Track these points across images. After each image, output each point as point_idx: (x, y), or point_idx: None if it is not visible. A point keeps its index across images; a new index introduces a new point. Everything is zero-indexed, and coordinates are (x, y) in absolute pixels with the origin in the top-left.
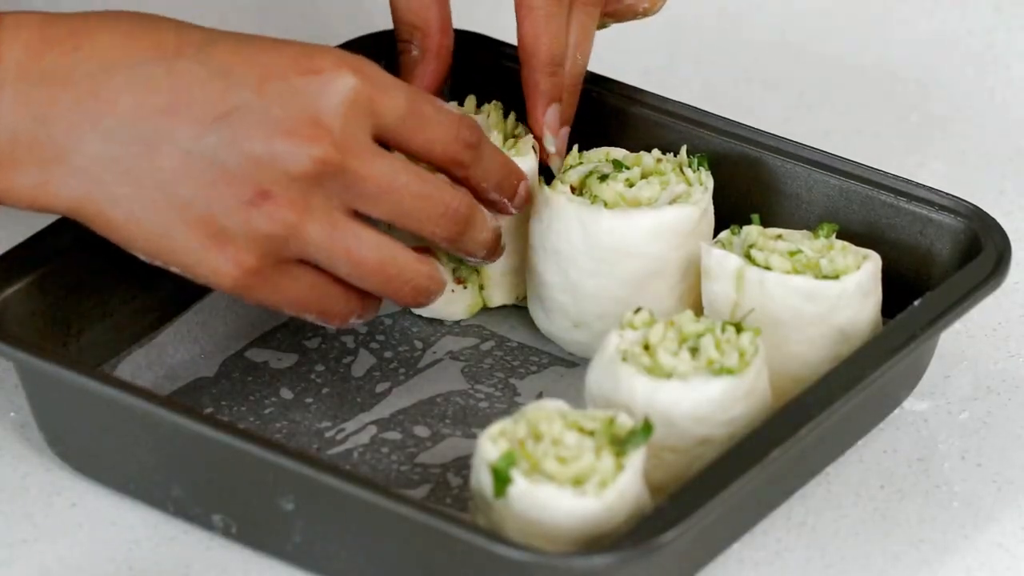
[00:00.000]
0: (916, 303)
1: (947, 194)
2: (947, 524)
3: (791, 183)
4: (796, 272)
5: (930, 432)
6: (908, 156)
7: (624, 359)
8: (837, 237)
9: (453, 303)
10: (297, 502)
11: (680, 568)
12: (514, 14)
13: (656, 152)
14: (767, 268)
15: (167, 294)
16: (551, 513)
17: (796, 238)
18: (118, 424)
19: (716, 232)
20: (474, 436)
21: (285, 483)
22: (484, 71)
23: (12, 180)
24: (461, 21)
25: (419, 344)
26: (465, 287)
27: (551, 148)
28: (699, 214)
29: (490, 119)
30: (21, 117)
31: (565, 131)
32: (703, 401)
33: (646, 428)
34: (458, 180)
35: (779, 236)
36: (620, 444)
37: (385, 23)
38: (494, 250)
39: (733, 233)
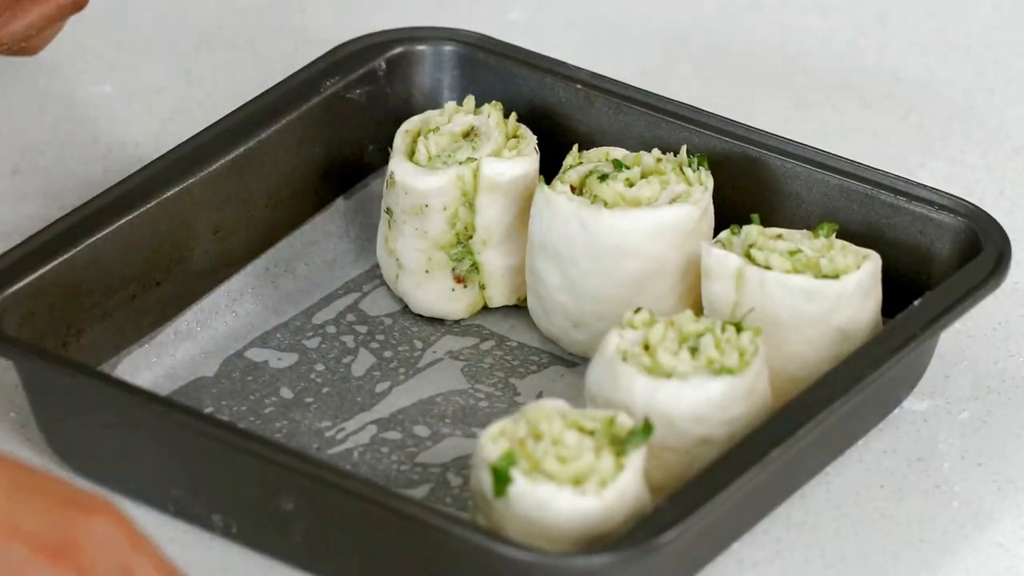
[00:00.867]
0: (916, 303)
1: (947, 194)
2: (947, 524)
3: (791, 183)
4: (796, 272)
5: (930, 432)
6: (908, 156)
7: (624, 359)
8: (837, 237)
9: (454, 302)
10: (297, 502)
11: (680, 568)
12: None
13: (656, 152)
14: (767, 268)
15: (167, 294)
16: (551, 513)
17: (796, 238)
18: (118, 424)
19: (716, 232)
20: (474, 436)
21: (285, 483)
22: (484, 71)
23: None
24: (461, 21)
25: (419, 344)
26: (465, 286)
27: None
28: (699, 214)
29: (490, 119)
30: None
31: None
32: (703, 401)
33: (646, 428)
34: None
35: (779, 236)
36: (620, 444)
37: (382, 23)
38: None
39: (733, 233)
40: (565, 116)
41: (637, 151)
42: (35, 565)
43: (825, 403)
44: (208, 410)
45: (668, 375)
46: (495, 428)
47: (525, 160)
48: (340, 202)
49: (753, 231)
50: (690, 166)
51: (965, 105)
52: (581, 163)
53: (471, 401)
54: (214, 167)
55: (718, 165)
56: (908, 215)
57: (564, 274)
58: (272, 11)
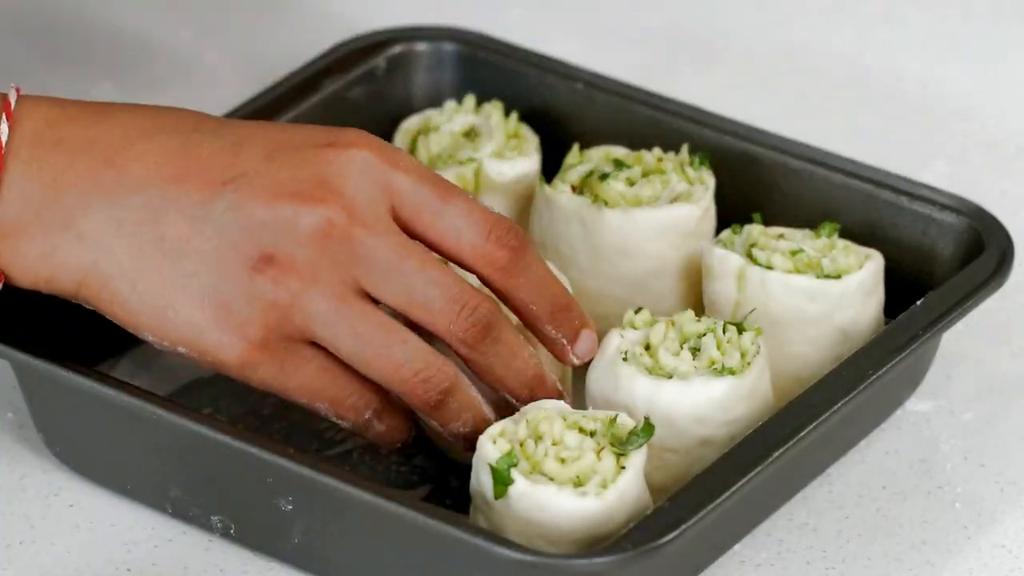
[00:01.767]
0: (918, 303)
1: (950, 193)
2: (949, 525)
3: (793, 182)
4: (798, 272)
5: (932, 433)
6: (910, 155)
7: (625, 359)
8: (839, 236)
9: None
10: (296, 502)
11: (681, 569)
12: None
13: (657, 151)
14: (769, 267)
15: None
16: (551, 514)
17: (798, 237)
18: (116, 424)
19: (717, 231)
20: None
21: (284, 483)
22: (485, 70)
23: (18, 250)
24: (461, 21)
25: None
26: None
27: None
28: (700, 213)
29: (491, 119)
30: (33, 182)
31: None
32: (704, 401)
33: (647, 428)
34: (497, 293)
35: (781, 235)
36: (621, 444)
37: (382, 22)
38: (535, 388)
39: (734, 232)
40: (566, 115)
41: (638, 150)
42: (304, 214)
43: (827, 404)
44: (207, 410)
45: (669, 375)
46: (495, 429)
47: (527, 160)
48: None
49: (755, 231)
50: (691, 165)
51: (967, 104)
52: (582, 162)
53: None
54: None
55: (719, 164)
56: (910, 215)
57: (564, 274)
58: (272, 10)
